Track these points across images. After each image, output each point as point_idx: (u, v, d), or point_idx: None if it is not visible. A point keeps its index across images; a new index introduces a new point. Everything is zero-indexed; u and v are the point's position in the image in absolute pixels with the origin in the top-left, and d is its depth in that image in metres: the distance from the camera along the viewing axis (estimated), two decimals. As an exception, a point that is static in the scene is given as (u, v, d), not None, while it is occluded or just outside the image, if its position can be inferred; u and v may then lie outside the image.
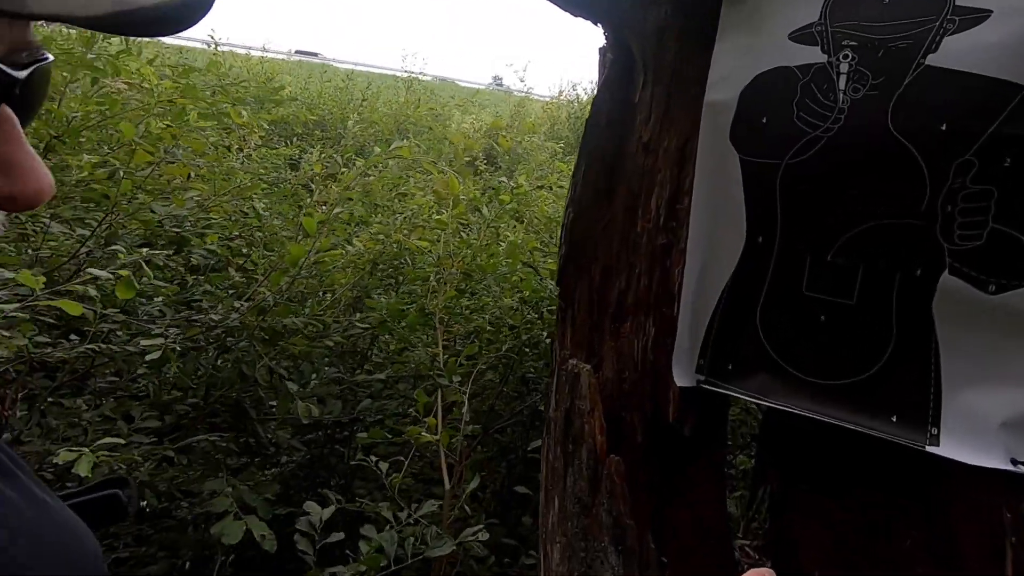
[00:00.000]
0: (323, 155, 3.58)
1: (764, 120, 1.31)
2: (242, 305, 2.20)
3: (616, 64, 1.70)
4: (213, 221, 2.78)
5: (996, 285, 1.12)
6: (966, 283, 1.15)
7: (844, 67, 1.21)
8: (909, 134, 1.15)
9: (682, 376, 1.50)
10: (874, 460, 1.44)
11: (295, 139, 5.48)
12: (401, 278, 2.91)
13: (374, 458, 2.10)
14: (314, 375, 2.51)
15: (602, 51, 1.76)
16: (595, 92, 1.74)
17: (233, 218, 2.87)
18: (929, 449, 1.21)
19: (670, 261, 1.57)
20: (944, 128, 1.11)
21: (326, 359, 2.61)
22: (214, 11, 0.47)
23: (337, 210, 2.68)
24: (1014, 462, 1.15)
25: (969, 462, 1.16)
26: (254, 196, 2.92)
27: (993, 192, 1.10)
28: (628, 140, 1.64)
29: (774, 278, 1.36)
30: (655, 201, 1.61)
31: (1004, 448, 1.16)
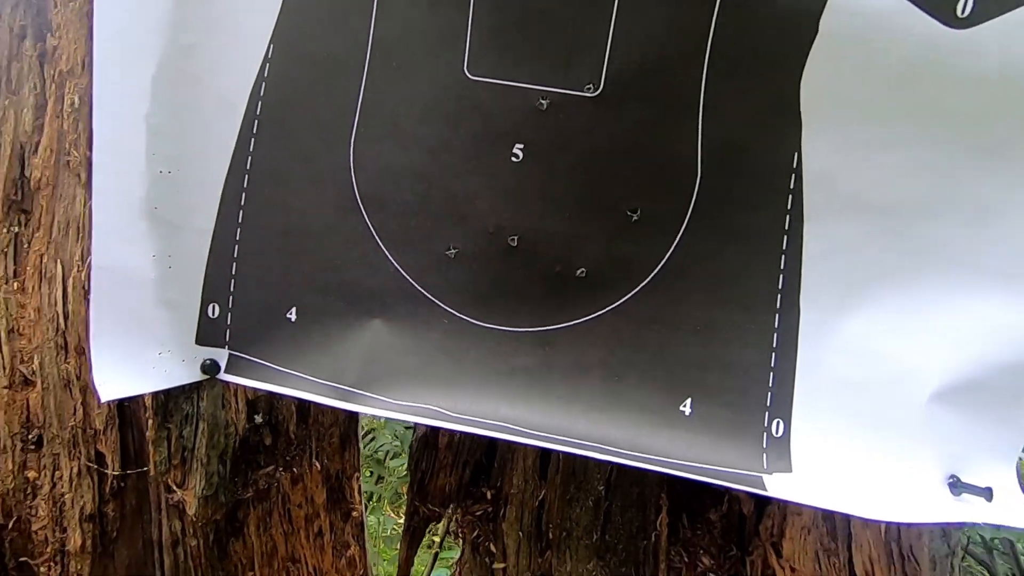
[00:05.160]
0: None
1: None
2: None
3: None
4: None
5: (976, -5, 0.39)
6: (897, -5, 0.39)
7: None
8: None
9: (150, 362, 0.50)
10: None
11: None
12: None
13: None
14: None
15: None
16: None
17: None
18: (773, 487, 0.45)
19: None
20: None
21: None
22: None
23: None
24: (954, 484, 0.46)
25: (860, 515, 0.43)
26: None
27: None
28: None
29: (385, 38, 0.45)
30: None
31: (938, 454, 0.46)
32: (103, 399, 0.48)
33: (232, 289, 0.51)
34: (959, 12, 0.38)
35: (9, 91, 0.60)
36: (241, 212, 0.50)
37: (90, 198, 0.59)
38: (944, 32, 0.39)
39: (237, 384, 0.52)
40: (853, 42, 0.40)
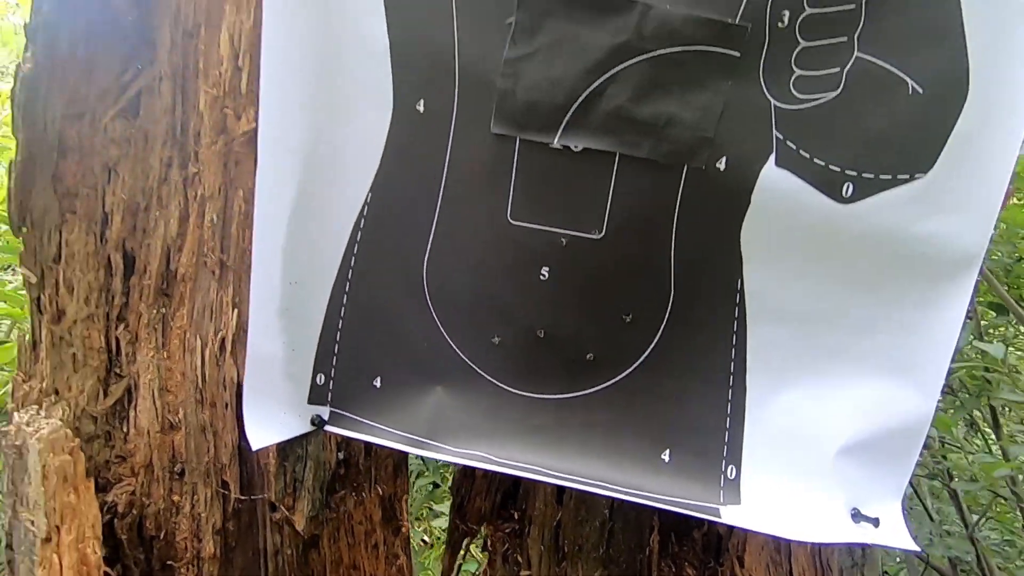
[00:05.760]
0: None
1: None
2: None
3: None
4: None
5: (855, 183, 0.57)
6: (803, 181, 0.57)
7: None
8: None
9: (279, 419, 0.69)
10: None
11: None
12: None
13: None
14: None
15: None
16: None
17: None
18: (726, 516, 0.63)
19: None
20: None
21: None
22: None
23: None
24: (855, 515, 0.63)
25: (788, 536, 0.61)
26: None
27: (868, -22, 0.53)
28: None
29: (452, 192, 0.64)
30: (225, 40, 0.76)
31: (843, 493, 0.63)
32: (254, 448, 0.67)
33: (334, 363, 0.70)
34: (844, 194, 0.57)
35: (160, 206, 0.80)
36: (343, 308, 0.69)
37: (222, 290, 0.79)
38: (835, 205, 0.57)
39: (337, 434, 0.71)
40: (774, 209, 0.58)
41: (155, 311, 0.81)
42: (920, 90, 0.55)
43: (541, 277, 0.64)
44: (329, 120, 0.64)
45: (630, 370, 0.65)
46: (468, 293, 0.66)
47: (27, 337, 0.80)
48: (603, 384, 0.66)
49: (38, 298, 0.79)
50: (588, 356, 0.66)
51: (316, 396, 0.70)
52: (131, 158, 0.84)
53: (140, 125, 0.82)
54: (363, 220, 0.67)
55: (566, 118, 0.59)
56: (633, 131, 0.58)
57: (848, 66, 0.55)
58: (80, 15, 0.77)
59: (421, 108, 0.63)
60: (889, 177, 0.56)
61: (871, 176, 0.56)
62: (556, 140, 0.60)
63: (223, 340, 0.78)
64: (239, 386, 0.76)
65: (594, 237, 0.62)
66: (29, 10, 0.77)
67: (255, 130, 0.76)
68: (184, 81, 0.80)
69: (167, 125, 0.81)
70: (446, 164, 0.63)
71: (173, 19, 0.78)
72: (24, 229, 0.80)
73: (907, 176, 0.56)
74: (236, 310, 0.77)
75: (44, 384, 0.76)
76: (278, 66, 0.64)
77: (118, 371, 0.83)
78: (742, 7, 0.54)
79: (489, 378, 0.68)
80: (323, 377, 0.70)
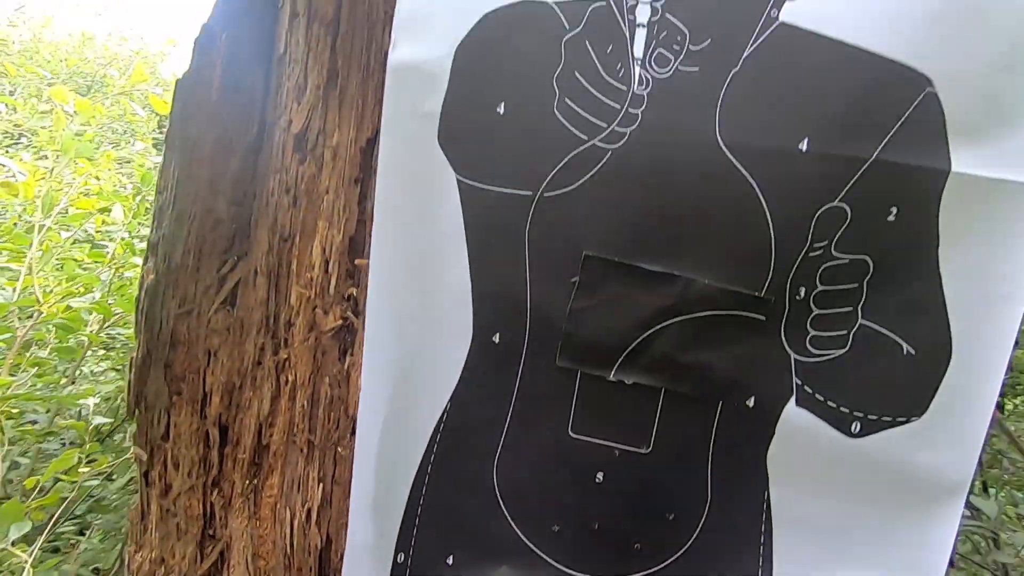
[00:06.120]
0: None
1: (500, 109, 0.71)
2: None
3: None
4: None
5: (862, 422, 0.69)
6: (819, 419, 0.69)
7: (644, 14, 0.66)
8: (746, 154, 0.65)
9: (364, 594, 0.80)
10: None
11: None
12: None
13: None
14: None
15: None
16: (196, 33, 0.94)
17: None
18: None
19: (348, 362, 0.87)
20: (806, 148, 0.65)
21: None
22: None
23: None
24: None
25: None
26: None
27: (868, 265, 0.66)
28: (262, 131, 0.90)
29: (521, 409, 0.76)
30: (318, 250, 0.89)
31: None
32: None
33: (412, 544, 0.81)
34: (852, 430, 0.69)
35: (253, 387, 0.91)
36: (422, 498, 0.80)
37: (308, 465, 0.90)
38: (845, 439, 0.69)
39: (416, 607, 0.81)
40: (795, 439, 0.70)
41: (247, 481, 0.91)
42: (912, 352, 0.67)
43: (596, 480, 0.75)
44: (419, 345, 0.77)
45: (672, 559, 0.76)
46: (533, 490, 0.77)
47: (136, 508, 0.91)
48: (649, 570, 0.77)
49: (146, 473, 0.90)
50: (636, 546, 0.76)
51: (397, 573, 0.81)
52: (229, 344, 0.96)
53: (238, 315, 0.95)
54: (442, 425, 0.79)
55: (620, 359, 0.71)
56: (676, 373, 0.70)
57: (854, 330, 0.67)
58: (192, 225, 0.90)
59: (496, 340, 0.75)
60: (890, 419, 0.68)
61: (875, 417, 0.68)
62: (611, 375, 0.72)
63: (309, 511, 0.89)
64: (321, 552, 0.87)
65: (642, 451, 0.73)
66: (151, 227, 0.90)
67: (340, 326, 0.88)
68: (277, 278, 0.93)
69: (261, 315, 0.94)
70: (516, 386, 0.75)
71: (270, 227, 0.91)
72: (138, 412, 0.91)
73: (905, 419, 0.68)
74: (321, 484, 0.88)
75: (153, 554, 0.87)
76: (380, 299, 0.76)
77: (211, 533, 0.93)
78: (767, 284, 0.67)
79: (549, 560, 0.78)
80: (403, 556, 0.81)
